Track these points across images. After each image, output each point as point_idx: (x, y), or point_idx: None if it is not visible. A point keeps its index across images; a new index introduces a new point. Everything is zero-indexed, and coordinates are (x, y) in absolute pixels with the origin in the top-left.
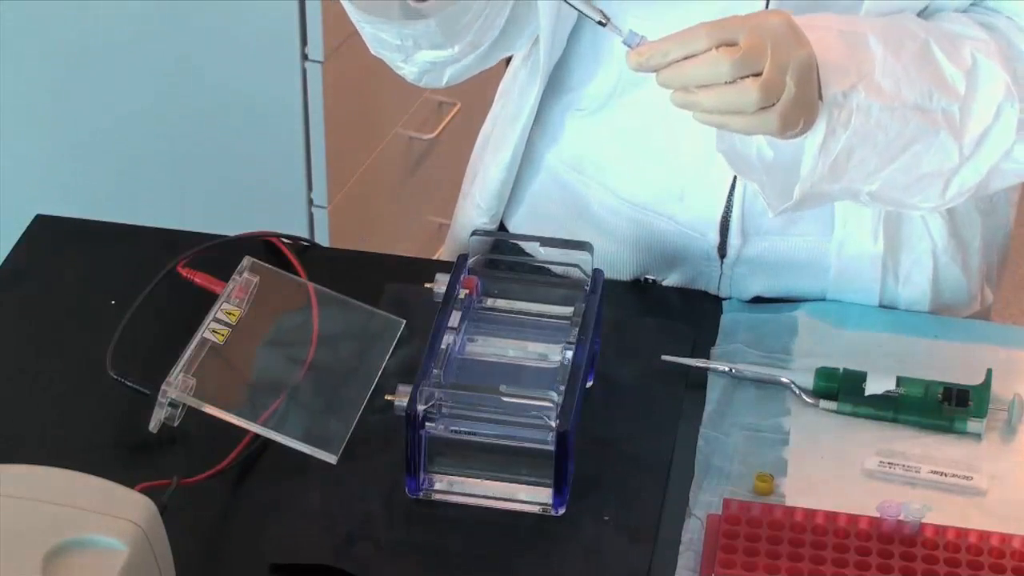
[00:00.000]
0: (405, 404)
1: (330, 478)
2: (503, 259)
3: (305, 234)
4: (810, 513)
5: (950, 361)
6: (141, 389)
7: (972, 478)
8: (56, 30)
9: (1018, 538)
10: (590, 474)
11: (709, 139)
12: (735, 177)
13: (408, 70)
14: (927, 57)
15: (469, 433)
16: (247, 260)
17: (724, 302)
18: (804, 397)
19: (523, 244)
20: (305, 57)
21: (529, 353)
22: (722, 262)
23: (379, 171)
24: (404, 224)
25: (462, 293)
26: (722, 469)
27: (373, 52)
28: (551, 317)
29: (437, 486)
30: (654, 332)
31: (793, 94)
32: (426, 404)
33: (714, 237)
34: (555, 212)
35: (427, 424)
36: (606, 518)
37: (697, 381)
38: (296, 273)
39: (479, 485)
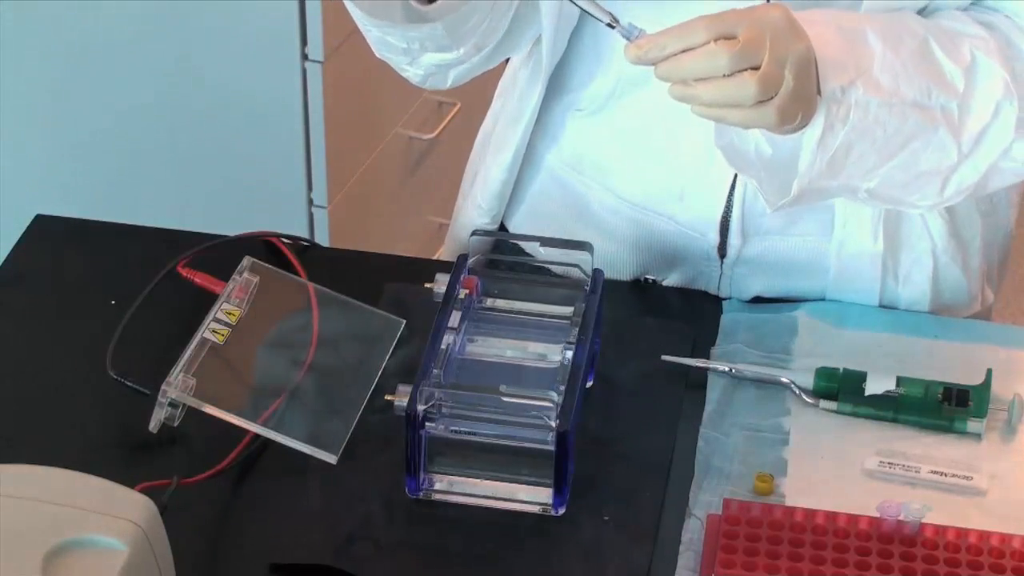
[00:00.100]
0: (405, 404)
1: (330, 478)
2: (503, 259)
3: (305, 234)
4: (810, 513)
5: (950, 361)
6: (141, 389)
7: (972, 478)
8: (56, 30)
9: (1018, 538)
10: (590, 474)
11: (709, 139)
12: (735, 177)
13: (413, 72)
14: (926, 54)
15: (469, 433)
16: (247, 260)
17: (724, 302)
18: (804, 397)
19: (523, 244)
20: (305, 57)
21: (529, 353)
22: (722, 262)
23: (379, 171)
24: (404, 224)
25: (462, 293)
26: (722, 469)
27: (378, 55)
28: (551, 317)
29: (437, 486)
30: (654, 332)
31: (791, 88)
32: (426, 404)
33: (714, 237)
34: (555, 212)
35: (427, 424)
36: (606, 518)
37: (697, 381)
38: (296, 273)
39: (479, 485)
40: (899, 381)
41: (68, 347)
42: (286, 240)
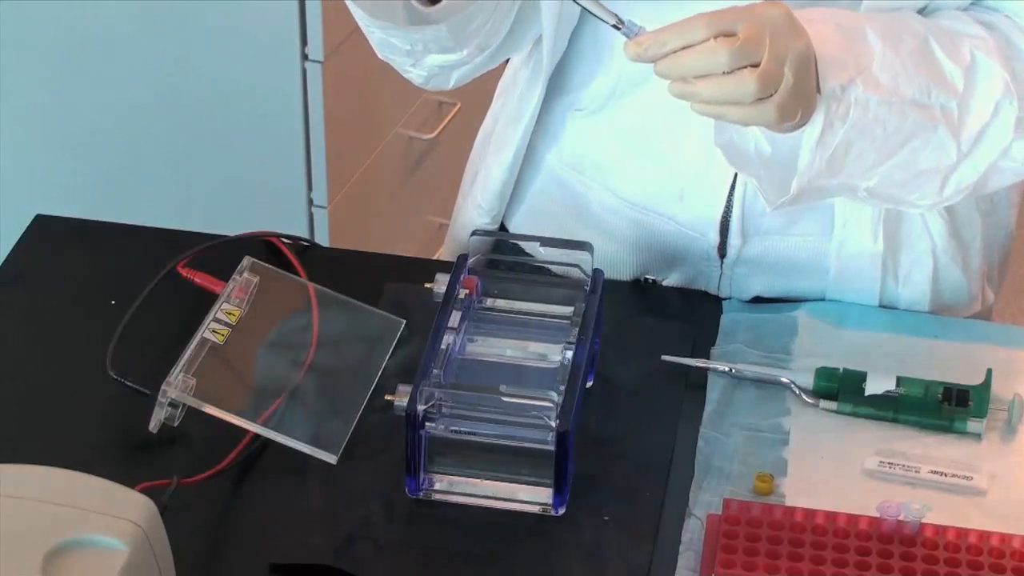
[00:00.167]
0: (405, 404)
1: (330, 478)
2: (503, 259)
3: (305, 234)
4: (810, 513)
5: (950, 361)
6: (141, 389)
7: (972, 478)
8: (56, 30)
9: (1018, 538)
10: (590, 474)
11: (709, 140)
12: (735, 177)
13: (416, 74)
14: (926, 53)
15: (469, 433)
16: (247, 260)
17: (724, 302)
18: (804, 397)
19: (523, 244)
20: (305, 57)
21: (529, 353)
22: (722, 262)
23: (379, 171)
24: (404, 224)
25: (462, 293)
26: (722, 469)
27: (380, 56)
28: (551, 317)
29: (437, 486)
30: (654, 332)
31: (791, 85)
32: (426, 404)
33: (714, 237)
34: (555, 212)
35: (427, 424)
36: (606, 518)
37: (697, 381)
38: (296, 273)
39: (479, 485)
40: (899, 381)
41: (68, 347)
42: (286, 240)
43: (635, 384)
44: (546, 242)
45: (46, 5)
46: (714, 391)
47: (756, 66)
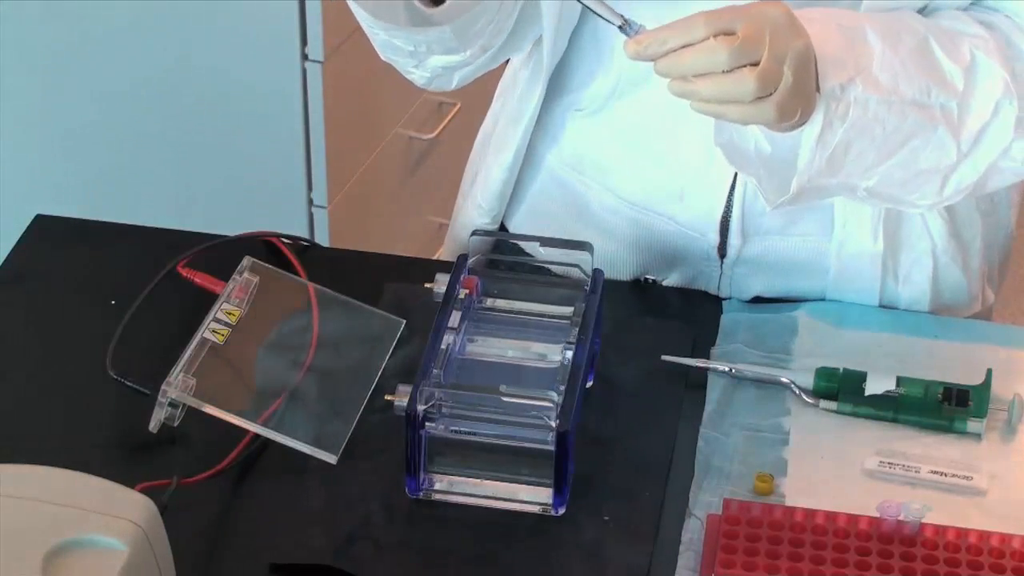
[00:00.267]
0: (405, 404)
1: (330, 478)
2: (503, 259)
3: (305, 234)
4: (810, 513)
5: (950, 361)
6: (141, 389)
7: (972, 478)
8: (55, 30)
9: (1018, 538)
10: (590, 474)
11: (709, 140)
12: (735, 177)
13: (419, 75)
14: (926, 53)
15: (469, 433)
16: (247, 260)
17: (724, 302)
18: (804, 397)
19: (523, 244)
20: (305, 57)
21: (529, 353)
22: (722, 262)
23: (379, 171)
24: (404, 224)
25: (462, 293)
26: (722, 469)
27: (383, 57)
28: (551, 317)
29: (437, 486)
30: (654, 332)
31: (790, 84)
32: (426, 404)
33: (714, 237)
34: (555, 212)
35: (427, 424)
36: (606, 518)
37: (697, 381)
38: (296, 273)
39: (479, 485)
40: (899, 381)
41: (68, 347)
42: (286, 240)
43: (635, 384)
44: (546, 242)
45: (45, 5)
46: (714, 391)
47: (756, 65)
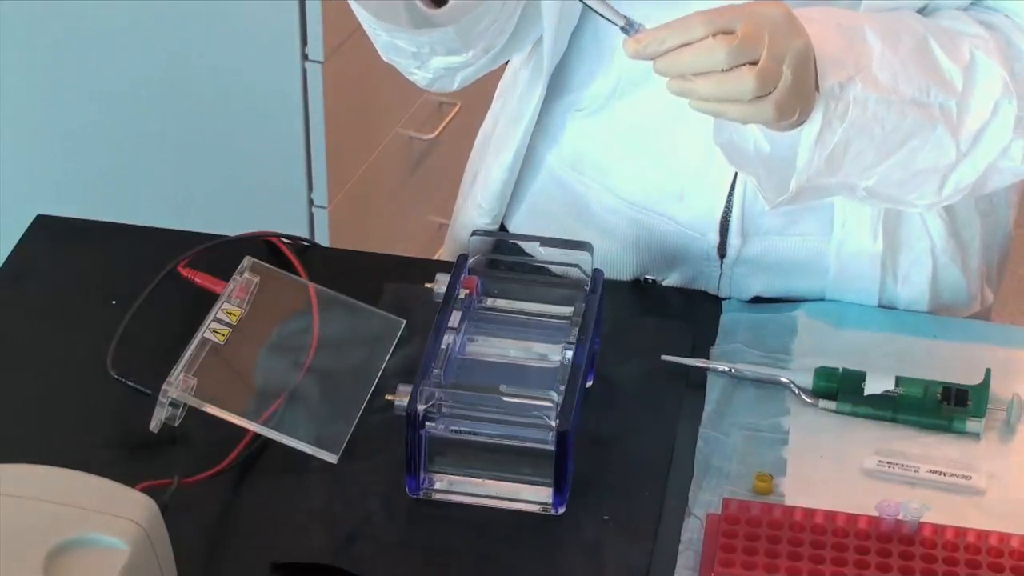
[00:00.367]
0: (405, 404)
1: (331, 478)
2: (503, 259)
3: (305, 234)
4: (809, 512)
5: (949, 361)
6: (142, 389)
7: (971, 477)
8: (56, 31)
9: (1016, 537)
10: (590, 473)
11: (709, 140)
12: (735, 177)
13: (421, 76)
14: (925, 52)
15: (469, 433)
16: (247, 260)
17: (724, 302)
18: (803, 397)
19: (523, 244)
20: (305, 57)
21: (529, 353)
22: (722, 262)
23: (379, 171)
24: (404, 224)
25: (462, 293)
26: (721, 469)
27: (385, 59)
28: (551, 317)
29: (437, 485)
30: (654, 332)
31: (789, 83)
32: (426, 404)
33: (714, 237)
34: (555, 212)
35: (427, 424)
36: (606, 517)
37: (697, 381)
38: (296, 273)
39: (479, 484)
40: (898, 381)
41: (69, 347)
42: (286, 240)
43: (635, 384)
44: (546, 242)
45: (46, 5)
46: (714, 391)
47: (755, 64)
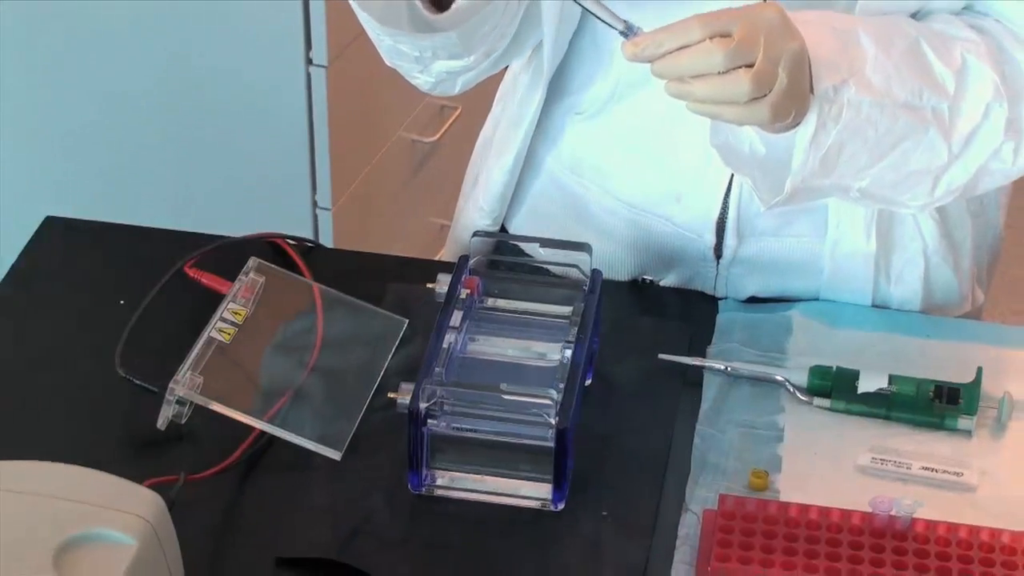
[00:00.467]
0: (408, 402)
1: (334, 474)
2: (503, 260)
3: (309, 235)
4: (804, 508)
5: (941, 360)
6: (149, 387)
7: (962, 474)
8: (60, 34)
9: (1007, 533)
10: (589, 470)
11: (706, 143)
12: (731, 179)
13: (423, 80)
14: (918, 56)
15: (470, 430)
16: (253, 261)
17: (720, 302)
18: (798, 395)
19: (523, 245)
20: (309, 61)
21: (529, 352)
22: (718, 263)
23: (382, 173)
24: (406, 225)
25: (463, 293)
26: (718, 465)
27: (388, 63)
28: (551, 317)
29: (439, 482)
30: (651, 331)
31: (785, 85)
32: (428, 402)
33: (710, 238)
34: (555, 214)
35: (429, 421)
36: (604, 513)
37: (693, 379)
38: (301, 274)
39: (480, 481)
40: (891, 379)
41: (78, 346)
42: (291, 241)
43: (633, 382)
44: (546, 243)
45: (47, 6)
46: (710, 389)
47: (751, 66)
